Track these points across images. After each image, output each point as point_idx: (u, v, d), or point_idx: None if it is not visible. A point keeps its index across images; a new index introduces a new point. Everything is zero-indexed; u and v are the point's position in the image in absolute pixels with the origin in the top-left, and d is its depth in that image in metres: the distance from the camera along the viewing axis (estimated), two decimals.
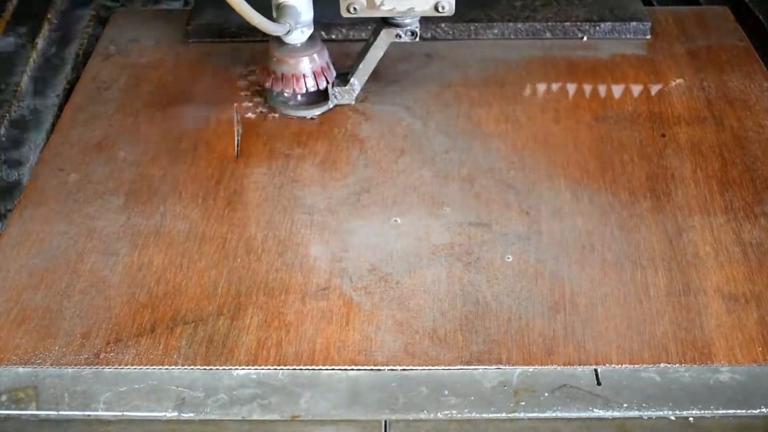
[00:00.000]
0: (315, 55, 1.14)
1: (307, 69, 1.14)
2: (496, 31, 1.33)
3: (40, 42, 1.37)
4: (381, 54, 1.17)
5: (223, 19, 1.34)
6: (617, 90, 1.22)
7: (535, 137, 1.14)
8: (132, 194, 1.06)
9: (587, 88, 1.23)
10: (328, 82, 1.17)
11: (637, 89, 1.23)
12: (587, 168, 1.09)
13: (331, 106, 1.19)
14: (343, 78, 1.19)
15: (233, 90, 1.23)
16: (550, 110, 1.19)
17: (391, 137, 1.15)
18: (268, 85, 1.16)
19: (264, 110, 1.20)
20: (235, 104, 1.21)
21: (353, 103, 1.19)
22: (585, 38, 1.32)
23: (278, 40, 1.13)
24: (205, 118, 1.18)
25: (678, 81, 1.24)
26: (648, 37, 1.33)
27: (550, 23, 1.33)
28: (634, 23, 1.33)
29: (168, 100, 1.22)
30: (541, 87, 1.23)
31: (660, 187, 1.06)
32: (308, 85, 1.15)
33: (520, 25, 1.33)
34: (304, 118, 1.17)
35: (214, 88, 1.24)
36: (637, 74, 1.26)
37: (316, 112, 1.18)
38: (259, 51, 1.29)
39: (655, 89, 1.22)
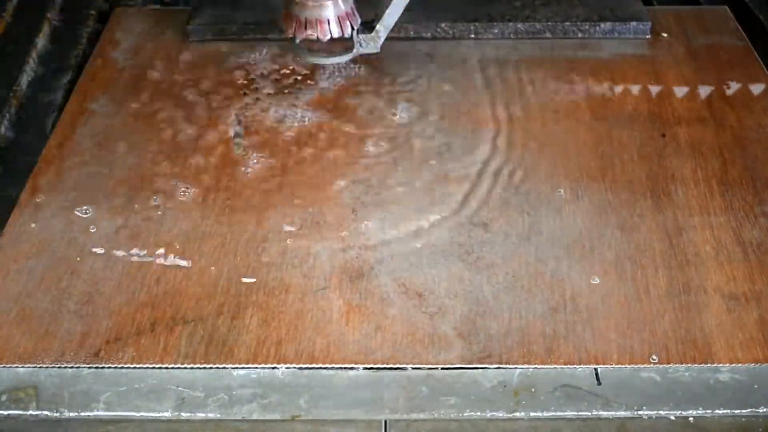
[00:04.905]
0: (339, 0, 1.13)
1: (331, 14, 1.13)
2: (496, 30, 1.33)
3: (40, 42, 1.37)
4: (407, 1, 1.15)
5: (223, 19, 1.34)
6: (617, 90, 1.22)
7: (535, 137, 1.14)
8: (132, 194, 1.06)
9: (587, 88, 1.23)
10: (353, 28, 1.15)
11: (637, 89, 1.23)
12: (587, 168, 1.09)
13: (356, 54, 1.18)
14: (368, 25, 1.17)
15: (233, 90, 1.23)
16: (550, 110, 1.19)
17: (391, 137, 1.15)
18: (291, 31, 1.15)
19: (264, 110, 1.20)
20: (235, 104, 1.21)
21: (378, 50, 1.18)
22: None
23: None
24: (205, 118, 1.18)
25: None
26: (648, 36, 1.33)
27: (550, 23, 1.33)
28: (634, 23, 1.33)
29: (168, 100, 1.22)
30: (541, 87, 1.23)
31: (660, 187, 1.06)
32: (332, 31, 1.13)
33: (520, 25, 1.33)
34: (332, 65, 1.17)
35: (214, 88, 1.24)
36: (637, 74, 1.26)
37: (341, 59, 1.18)
38: (258, 51, 1.30)
39: (655, 89, 1.22)
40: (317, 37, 1.14)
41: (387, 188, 1.07)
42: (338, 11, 1.13)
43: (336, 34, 1.14)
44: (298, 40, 1.18)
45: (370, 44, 1.17)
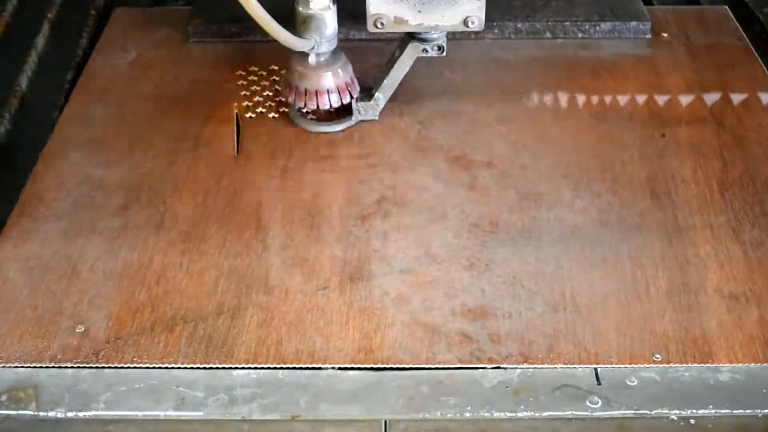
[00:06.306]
0: (339, 70, 1.12)
1: (331, 84, 1.12)
2: (496, 31, 1.34)
3: (40, 42, 1.37)
4: (407, 69, 1.14)
5: (223, 19, 1.34)
6: (617, 90, 1.22)
7: (535, 137, 1.14)
8: (132, 194, 1.06)
9: (587, 87, 1.23)
10: (352, 98, 1.14)
11: (637, 89, 1.23)
12: (587, 168, 1.09)
13: (354, 122, 1.17)
14: (367, 93, 1.16)
15: (233, 90, 1.23)
16: (550, 110, 1.19)
17: (390, 137, 1.15)
18: (290, 99, 1.14)
19: (264, 110, 1.20)
20: (235, 104, 1.21)
21: (377, 118, 1.17)
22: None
23: (301, 53, 1.10)
24: (205, 117, 1.18)
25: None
26: (648, 36, 1.33)
27: (550, 23, 1.33)
28: (634, 23, 1.33)
29: (168, 100, 1.22)
30: (541, 87, 1.23)
31: (660, 187, 1.06)
32: (332, 101, 1.12)
33: (520, 25, 1.33)
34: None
35: (214, 88, 1.24)
36: (637, 74, 1.26)
37: (339, 127, 1.16)
38: (258, 51, 1.30)
39: (655, 89, 1.22)
40: (317, 106, 1.13)
41: (386, 189, 1.07)
42: (338, 81, 1.12)
43: (335, 104, 1.13)
44: (296, 108, 1.17)
45: (369, 112, 1.16)
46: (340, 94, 1.13)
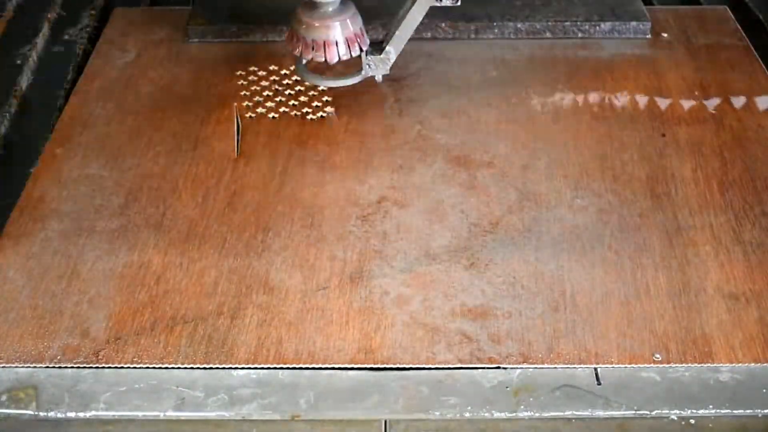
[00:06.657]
0: (348, 21, 1.07)
1: (339, 35, 1.07)
2: (496, 30, 1.34)
3: (40, 42, 1.37)
4: (419, 20, 1.08)
5: (223, 19, 1.35)
6: (617, 90, 1.22)
7: (535, 137, 1.14)
8: (132, 194, 1.06)
9: (587, 87, 1.23)
10: (361, 50, 1.10)
11: (637, 89, 1.23)
12: (587, 168, 1.09)
13: (364, 76, 1.12)
14: (377, 46, 1.11)
15: (233, 90, 1.23)
16: (550, 110, 1.19)
17: (391, 137, 1.15)
18: (296, 52, 1.09)
19: (264, 110, 1.20)
20: (235, 104, 1.21)
21: (388, 73, 1.13)
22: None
23: (308, 3, 1.06)
24: (205, 117, 1.18)
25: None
26: (648, 36, 1.34)
27: (550, 23, 1.33)
28: (634, 23, 1.33)
29: (168, 100, 1.22)
30: (541, 87, 1.23)
31: (660, 186, 1.06)
32: (340, 53, 1.08)
33: (520, 25, 1.33)
34: (336, 88, 1.11)
35: (214, 88, 1.24)
36: (637, 74, 1.26)
37: (348, 82, 1.12)
38: (258, 51, 1.30)
39: (654, 89, 1.22)
40: (324, 59, 1.08)
41: (387, 189, 1.07)
42: (347, 32, 1.07)
43: (344, 56, 1.08)
44: (304, 62, 1.13)
45: (380, 66, 1.11)
46: (348, 46, 1.08)
